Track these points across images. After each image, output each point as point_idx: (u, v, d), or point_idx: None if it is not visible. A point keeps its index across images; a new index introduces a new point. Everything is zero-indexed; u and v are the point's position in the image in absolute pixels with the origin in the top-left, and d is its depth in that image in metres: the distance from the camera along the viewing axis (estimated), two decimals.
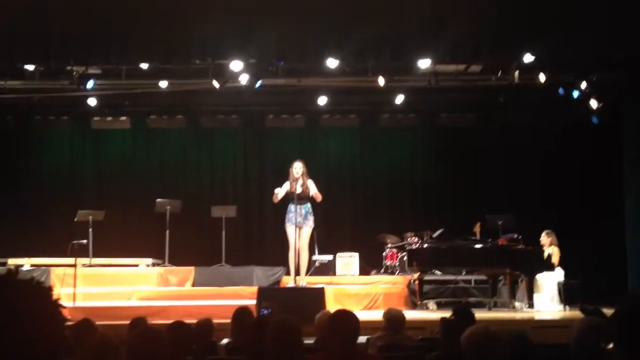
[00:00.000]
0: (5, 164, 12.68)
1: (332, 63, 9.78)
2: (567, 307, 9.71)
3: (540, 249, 10.08)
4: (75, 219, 11.16)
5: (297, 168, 9.51)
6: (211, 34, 9.18)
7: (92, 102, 11.94)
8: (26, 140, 13.01)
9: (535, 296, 9.81)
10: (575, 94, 11.01)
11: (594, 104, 11.00)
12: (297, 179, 9.44)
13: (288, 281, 9.88)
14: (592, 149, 12.05)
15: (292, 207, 9.50)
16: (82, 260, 10.37)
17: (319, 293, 8.88)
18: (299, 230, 9.43)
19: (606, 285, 10.20)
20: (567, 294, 9.87)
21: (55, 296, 1.33)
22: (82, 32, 9.16)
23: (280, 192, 9.50)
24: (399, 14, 9.13)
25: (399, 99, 11.80)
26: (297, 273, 9.52)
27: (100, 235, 11.21)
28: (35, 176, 13.04)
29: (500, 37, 9.20)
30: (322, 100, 12.09)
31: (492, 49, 9.36)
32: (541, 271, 9.82)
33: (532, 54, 9.59)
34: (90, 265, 10.89)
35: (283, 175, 9.82)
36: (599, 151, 12.02)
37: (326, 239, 11.69)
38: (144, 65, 10.17)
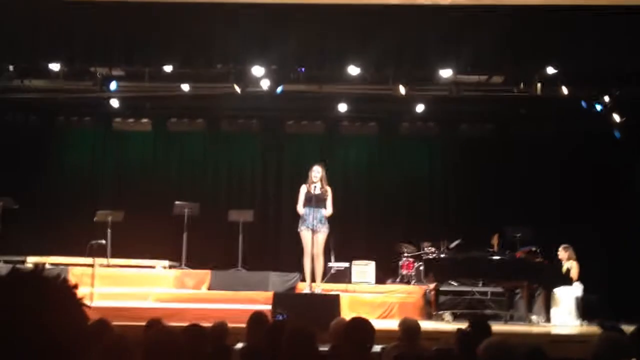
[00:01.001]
0: (27, 163, 12.81)
1: (353, 70, 9.78)
2: (585, 323, 9.61)
3: (559, 262, 9.99)
4: (94, 219, 11.25)
5: (316, 172, 9.49)
6: (233, 39, 9.22)
7: (114, 103, 12.06)
8: (48, 140, 13.16)
9: (553, 310, 9.73)
10: (598, 107, 10.93)
11: (616, 118, 10.91)
12: (315, 182, 9.42)
13: (303, 287, 9.87)
14: (613, 162, 11.93)
15: (307, 210, 9.41)
16: (100, 261, 10.43)
17: (335, 300, 8.86)
18: (314, 235, 9.35)
19: (626, 301, 10.07)
20: (585, 309, 9.76)
21: (79, 294, 1.34)
22: (106, 33, 9.25)
23: (300, 199, 9.46)
24: (421, 23, 9.12)
25: (419, 107, 11.78)
26: (313, 279, 9.50)
27: (118, 236, 11.28)
28: (56, 176, 13.16)
29: (523, 49, 9.15)
30: (342, 107, 12.11)
31: (514, 60, 9.31)
32: (559, 285, 9.73)
33: (555, 67, 9.53)
34: (108, 266, 10.96)
35: (301, 181, 9.83)
36: (620, 165, 11.90)
37: (342, 247, 11.67)
38: (167, 68, 10.24)
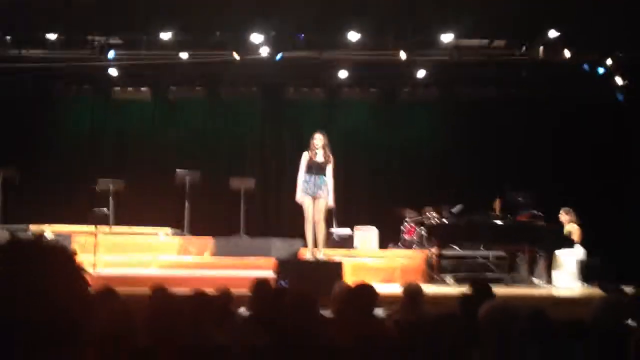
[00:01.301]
0: (26, 133, 12.79)
1: (353, 36, 9.69)
2: (587, 285, 9.66)
3: (560, 225, 10.01)
4: (96, 187, 11.25)
5: (318, 138, 9.40)
6: (232, 5, 9.13)
7: (113, 72, 11.98)
8: (47, 109, 13.10)
9: (555, 273, 9.78)
10: (601, 70, 10.85)
11: (619, 81, 10.84)
12: (317, 148, 9.34)
13: (306, 253, 9.90)
14: (615, 126, 11.89)
15: (308, 177, 9.34)
16: (102, 228, 10.47)
17: (337, 266, 8.89)
18: (315, 201, 9.32)
19: (628, 263, 10.11)
20: (587, 272, 9.81)
21: (79, 261, 1.34)
22: (104, 1, 9.15)
23: (302, 166, 9.38)
24: None
25: (420, 73, 11.69)
26: (315, 245, 9.52)
27: (120, 204, 11.31)
28: (57, 145, 13.15)
29: (525, 12, 9.05)
30: (343, 74, 12.03)
31: (515, 23, 9.21)
32: (560, 248, 9.76)
33: (557, 30, 9.44)
34: (111, 233, 11.00)
35: (302, 148, 9.79)
36: (622, 128, 11.85)
37: (344, 213, 11.69)
38: (165, 36, 10.15)
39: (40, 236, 1.36)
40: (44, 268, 1.26)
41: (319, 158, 9.28)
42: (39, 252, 1.28)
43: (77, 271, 1.32)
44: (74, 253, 1.34)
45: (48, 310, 1.23)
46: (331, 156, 9.39)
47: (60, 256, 1.31)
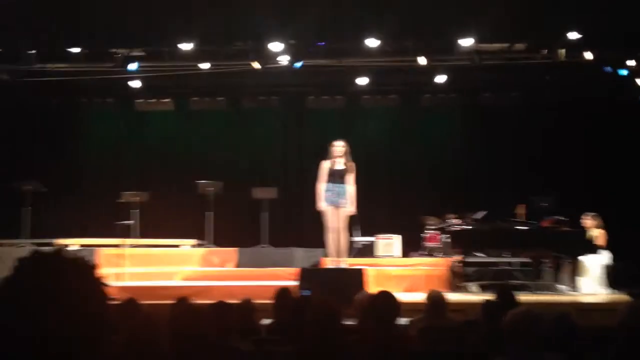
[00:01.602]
0: (51, 146, 12.96)
1: (372, 43, 9.68)
2: (613, 290, 9.53)
3: (584, 231, 9.88)
4: (120, 200, 11.35)
5: (339, 146, 9.38)
6: (251, 15, 9.18)
7: (135, 84, 12.12)
8: (72, 122, 13.27)
9: (581, 279, 9.65)
10: (623, 72, 10.72)
11: None
12: (338, 157, 9.32)
13: (328, 262, 9.89)
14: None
15: (330, 185, 9.30)
16: (127, 241, 10.57)
17: (359, 274, 8.86)
18: (337, 210, 9.30)
19: None
20: (613, 277, 9.67)
21: (99, 274, 1.35)
22: (125, 15, 9.25)
23: (322, 175, 9.36)
24: None
25: (441, 78, 11.65)
26: (337, 254, 9.50)
27: (144, 216, 11.39)
28: (81, 158, 13.31)
29: (545, 14, 8.98)
30: (363, 81, 12.03)
31: (536, 26, 9.14)
32: (584, 253, 9.63)
33: (578, 32, 9.35)
34: (136, 246, 11.09)
35: (323, 156, 9.78)
36: None
37: (366, 221, 11.65)
38: (186, 47, 10.23)
39: (60, 249, 1.38)
40: (63, 280, 1.28)
41: (340, 166, 9.26)
42: (59, 264, 1.30)
43: (97, 284, 1.33)
44: (94, 266, 1.35)
45: (66, 322, 1.25)
46: (352, 164, 9.36)
47: (80, 268, 1.32)
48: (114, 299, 1.39)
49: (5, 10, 9.25)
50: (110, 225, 9.74)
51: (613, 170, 11.88)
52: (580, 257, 9.64)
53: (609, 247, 9.86)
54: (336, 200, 9.22)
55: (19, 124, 12.78)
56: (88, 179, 13.06)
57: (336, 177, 9.25)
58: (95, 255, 10.41)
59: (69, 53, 10.70)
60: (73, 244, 10.88)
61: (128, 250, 10.49)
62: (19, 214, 11.08)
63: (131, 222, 10.34)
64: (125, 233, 10.04)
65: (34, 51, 10.67)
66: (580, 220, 10.01)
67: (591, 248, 9.62)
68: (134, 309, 4.42)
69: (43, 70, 11.31)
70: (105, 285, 1.35)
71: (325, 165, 9.42)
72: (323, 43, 10.40)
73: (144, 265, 10.48)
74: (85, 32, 9.48)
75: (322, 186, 9.32)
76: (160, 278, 10.09)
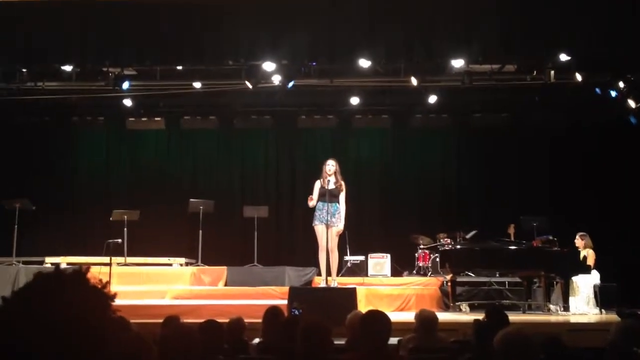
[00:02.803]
0: (42, 164, 12.92)
1: (364, 63, 9.74)
2: (604, 311, 9.54)
3: (576, 251, 9.92)
4: (111, 218, 11.32)
5: (330, 165, 9.43)
6: (244, 35, 9.22)
7: (127, 102, 12.12)
8: (63, 141, 13.25)
9: (571, 299, 9.67)
10: (613, 93, 10.81)
11: (632, 103, 10.80)
12: (329, 176, 9.36)
13: (319, 282, 9.86)
14: (631, 149, 11.82)
15: (321, 204, 9.33)
16: (117, 259, 10.51)
17: (351, 294, 8.85)
18: (329, 229, 9.32)
19: None
20: (603, 297, 9.69)
21: (107, 290, 1.39)
22: (118, 33, 9.28)
23: (314, 194, 9.41)
24: (431, 13, 9.06)
25: (432, 99, 11.72)
26: (329, 273, 9.49)
27: (134, 235, 11.35)
28: (72, 176, 13.28)
29: (535, 36, 9.07)
30: (355, 101, 12.08)
31: (526, 48, 9.22)
32: (577, 274, 9.65)
33: (568, 54, 9.43)
34: (125, 264, 11.04)
35: (314, 176, 9.80)
36: (637, 152, 11.79)
37: (358, 240, 11.66)
38: (178, 67, 10.26)
39: (85, 269, 1.41)
40: (85, 299, 1.31)
41: (331, 185, 9.29)
42: (81, 284, 1.33)
43: (108, 302, 1.36)
44: (100, 282, 1.38)
45: (80, 338, 1.27)
46: (342, 183, 9.39)
47: (96, 288, 1.35)
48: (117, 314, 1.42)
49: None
50: (100, 243, 9.69)
51: (605, 190, 11.95)
52: (572, 277, 9.66)
53: (597, 267, 9.90)
54: (328, 219, 9.23)
55: (10, 142, 12.74)
56: (79, 197, 13.02)
57: (327, 196, 9.27)
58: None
59: (60, 71, 10.70)
60: (61, 262, 10.83)
61: (117, 269, 10.44)
62: (8, 232, 11.01)
63: (120, 240, 10.28)
64: (115, 251, 9.99)
65: (25, 70, 10.66)
66: (575, 241, 10.05)
67: (582, 268, 9.65)
68: (124, 327, 4.39)
69: (34, 88, 11.31)
70: (112, 299, 1.38)
71: (317, 185, 9.45)
72: (314, 63, 10.44)
73: (134, 284, 10.42)
74: (77, 51, 9.47)
75: (313, 203, 9.34)
76: (150, 297, 10.03)
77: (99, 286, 1.35)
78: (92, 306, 1.31)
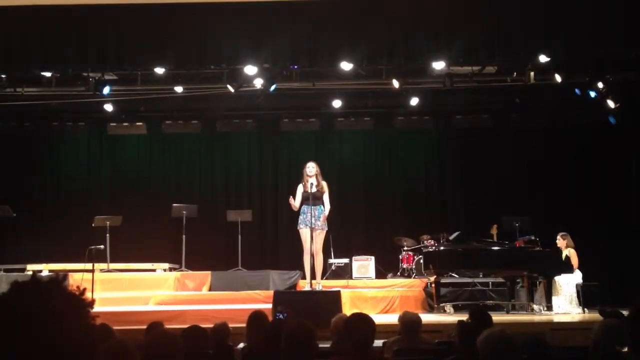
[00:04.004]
0: (23, 170, 12.80)
1: (346, 66, 9.76)
2: (586, 310, 9.62)
3: (558, 251, 9.99)
4: (93, 224, 11.23)
5: (311, 167, 9.45)
6: (225, 38, 9.20)
7: (108, 108, 12.05)
8: (44, 147, 13.14)
9: (554, 299, 9.73)
10: (592, 94, 10.92)
11: (611, 104, 10.91)
12: (310, 177, 9.38)
13: (304, 285, 9.86)
14: (610, 149, 11.95)
15: (305, 208, 9.37)
16: (99, 266, 10.43)
17: (335, 297, 8.86)
18: (313, 232, 9.33)
19: (625, 286, 10.08)
20: (586, 296, 9.77)
21: (85, 296, 1.39)
22: (98, 38, 9.22)
23: (297, 198, 9.42)
24: (412, 16, 9.10)
25: (414, 101, 11.77)
26: (313, 277, 9.49)
27: (117, 241, 11.27)
28: (53, 182, 13.16)
29: (515, 38, 9.13)
30: (337, 103, 12.11)
31: (506, 50, 9.28)
32: (560, 273, 9.72)
33: (547, 55, 9.51)
34: (108, 270, 10.96)
35: (298, 179, 9.81)
36: (616, 152, 11.92)
37: (342, 243, 11.68)
38: (159, 71, 10.22)
39: (61, 277, 1.41)
40: (62, 307, 1.32)
41: (313, 188, 9.30)
42: (58, 292, 1.33)
43: (87, 311, 1.36)
44: (83, 292, 1.38)
45: (59, 345, 1.27)
46: (323, 184, 9.41)
47: (74, 296, 1.34)
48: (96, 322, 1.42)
49: None
50: (82, 250, 9.61)
51: (585, 190, 12.06)
52: (554, 277, 9.73)
53: (579, 266, 9.97)
54: (312, 223, 9.24)
55: None
56: (60, 203, 12.92)
57: (310, 199, 9.29)
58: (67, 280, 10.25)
59: (40, 77, 10.61)
60: (43, 269, 10.73)
61: (100, 275, 10.36)
62: None
63: (102, 246, 10.20)
64: (98, 257, 9.91)
65: (4, 75, 10.57)
66: (556, 241, 10.12)
67: (565, 268, 9.72)
68: (107, 334, 4.35)
69: (14, 94, 11.20)
70: (92, 311, 1.38)
71: (299, 189, 9.46)
72: (296, 66, 10.44)
73: (117, 290, 10.36)
74: (57, 56, 9.40)
75: (296, 205, 9.33)
76: (134, 303, 9.97)
77: (77, 293, 1.35)
78: (70, 314, 1.31)
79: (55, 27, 9.17)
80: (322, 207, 9.39)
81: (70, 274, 10.36)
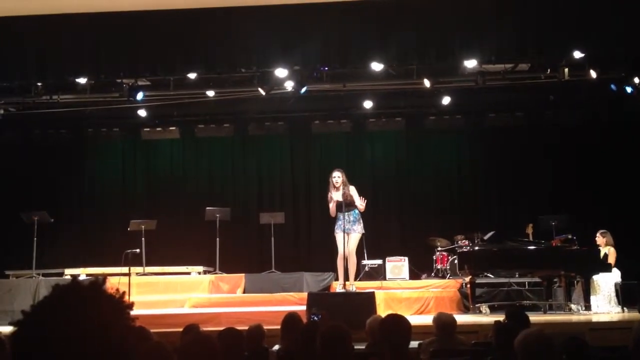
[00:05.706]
0: (59, 176, 13.02)
1: (376, 66, 9.73)
2: (626, 309, 9.43)
3: (596, 249, 9.80)
4: (129, 229, 11.38)
5: (337, 178, 9.54)
6: (255, 41, 9.24)
7: (141, 113, 12.20)
8: (79, 153, 13.35)
9: (592, 298, 9.56)
10: (628, 89, 10.71)
11: None
12: (337, 188, 9.47)
13: (337, 286, 9.86)
14: None
15: (340, 215, 9.49)
16: (135, 269, 10.56)
17: (369, 298, 8.82)
18: (347, 236, 9.40)
19: None
20: (625, 295, 9.58)
21: (124, 299, 1.40)
22: (131, 44, 9.34)
23: (331, 207, 9.53)
24: (442, 14, 9.04)
25: (446, 100, 11.68)
26: (347, 278, 9.49)
27: (152, 244, 11.40)
28: (89, 188, 13.36)
29: (547, 34, 9.01)
30: (368, 104, 12.08)
31: (539, 46, 9.16)
32: (598, 272, 9.54)
33: (582, 51, 9.36)
34: (144, 274, 11.08)
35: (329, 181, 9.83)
36: None
37: (375, 244, 11.63)
38: (191, 76, 10.31)
39: (101, 281, 1.43)
40: (102, 311, 1.33)
41: (340, 197, 9.37)
42: (98, 296, 1.34)
43: (127, 314, 1.37)
44: (118, 293, 1.39)
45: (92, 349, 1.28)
46: (350, 189, 9.46)
47: (115, 300, 1.36)
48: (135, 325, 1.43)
49: (12, 43, 9.36)
50: (118, 253, 9.74)
51: (622, 187, 11.83)
52: (592, 276, 9.56)
53: (618, 264, 9.79)
54: (347, 228, 9.35)
55: (26, 155, 12.85)
56: (96, 209, 13.10)
57: (343, 207, 9.37)
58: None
59: (75, 84, 10.79)
60: (80, 273, 10.89)
61: (136, 279, 10.49)
62: (27, 245, 11.10)
63: (138, 250, 10.33)
64: (134, 261, 10.04)
65: (40, 83, 10.77)
66: (595, 239, 9.94)
67: (603, 266, 9.54)
68: (144, 337, 4.40)
69: (50, 102, 11.41)
70: (131, 314, 1.40)
71: (333, 196, 9.51)
72: (326, 68, 10.45)
73: (153, 293, 10.46)
74: (91, 63, 9.54)
75: (333, 212, 9.45)
76: (169, 306, 10.07)
77: (116, 296, 1.37)
78: (110, 316, 1.32)
79: (88, 34, 9.31)
80: (355, 210, 9.48)
81: (107, 277, 10.56)
